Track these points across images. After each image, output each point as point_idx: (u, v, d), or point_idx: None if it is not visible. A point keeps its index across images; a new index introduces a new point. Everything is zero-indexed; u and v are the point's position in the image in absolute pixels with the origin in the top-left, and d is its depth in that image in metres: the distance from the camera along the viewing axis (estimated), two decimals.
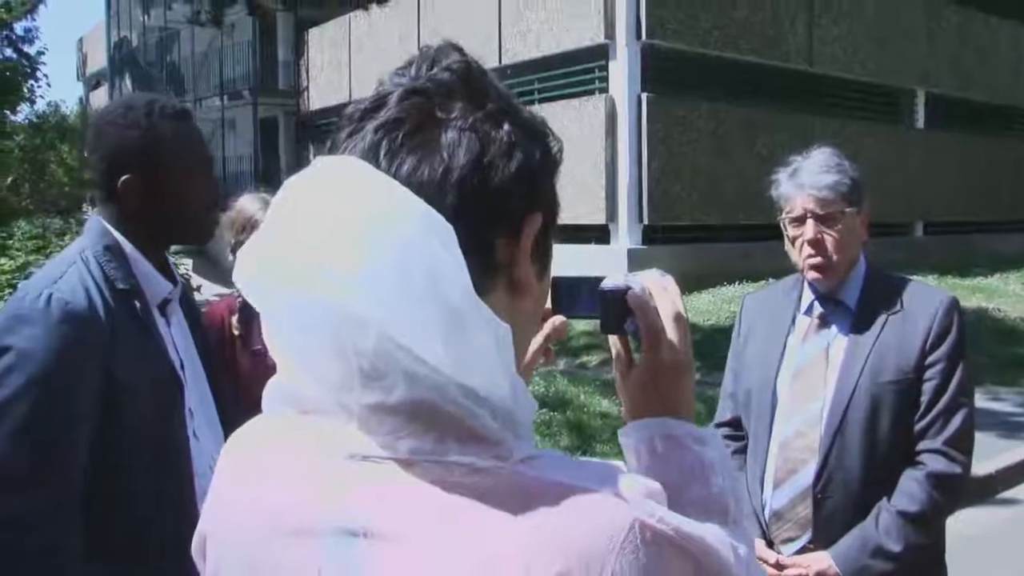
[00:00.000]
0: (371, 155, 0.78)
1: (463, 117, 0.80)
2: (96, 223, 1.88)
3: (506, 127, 0.81)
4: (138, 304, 1.82)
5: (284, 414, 0.84)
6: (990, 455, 6.21)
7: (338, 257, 0.72)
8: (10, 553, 1.61)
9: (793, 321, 2.39)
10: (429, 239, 0.72)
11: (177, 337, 1.96)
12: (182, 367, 1.92)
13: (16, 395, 1.62)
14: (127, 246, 1.86)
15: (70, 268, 1.77)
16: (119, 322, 1.76)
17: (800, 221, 2.26)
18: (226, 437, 2.05)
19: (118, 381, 1.72)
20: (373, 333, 0.72)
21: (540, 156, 0.84)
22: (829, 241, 2.24)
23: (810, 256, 2.26)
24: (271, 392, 0.85)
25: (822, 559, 2.19)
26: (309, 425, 0.81)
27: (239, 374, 2.93)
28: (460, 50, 0.85)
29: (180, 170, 1.87)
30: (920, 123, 18.12)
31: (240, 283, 0.80)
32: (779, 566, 2.24)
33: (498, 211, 0.80)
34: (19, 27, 22.92)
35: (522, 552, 0.69)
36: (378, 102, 0.82)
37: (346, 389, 0.76)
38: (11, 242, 9.47)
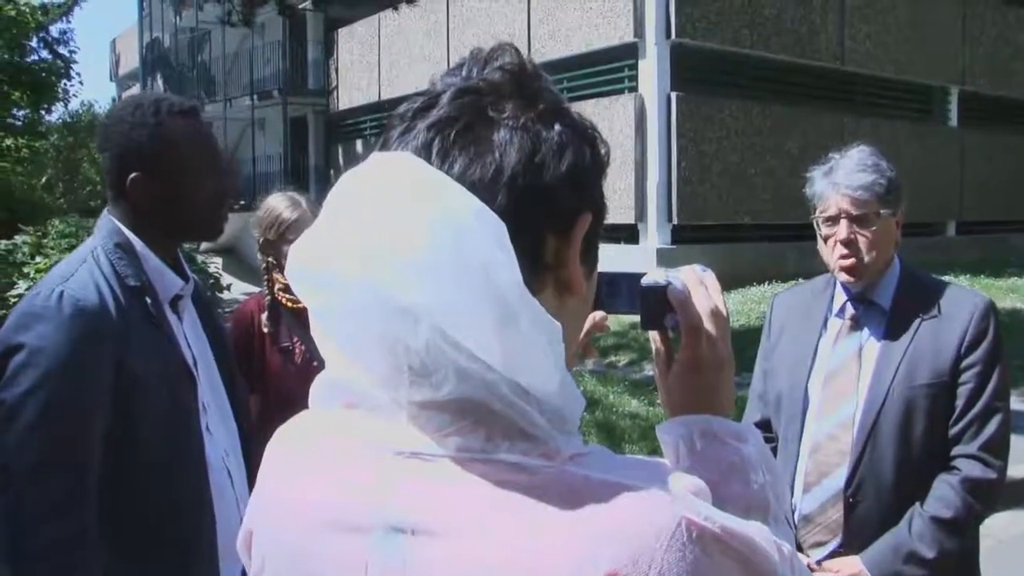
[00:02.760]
0: (423, 154, 0.78)
1: (515, 116, 0.79)
2: (107, 221, 1.91)
3: (557, 127, 0.81)
4: (149, 300, 1.85)
5: (330, 410, 0.84)
6: None
7: (394, 245, 0.72)
8: (30, 544, 1.63)
9: (825, 323, 2.36)
10: (484, 234, 0.72)
11: (189, 333, 1.99)
12: (195, 363, 1.94)
13: (30, 391, 1.65)
14: (137, 243, 1.89)
15: (81, 266, 1.81)
16: (130, 318, 1.78)
17: (834, 221, 2.23)
18: (240, 432, 2.08)
19: (131, 375, 1.75)
20: (425, 327, 0.71)
21: (590, 157, 0.84)
22: (862, 242, 2.20)
23: (843, 256, 2.22)
24: (318, 387, 0.85)
25: (853, 564, 2.17)
26: (356, 421, 0.81)
27: (268, 371, 2.95)
28: (516, 50, 0.85)
29: (188, 167, 1.89)
30: (953, 121, 17.90)
31: (290, 274, 0.80)
32: (809, 570, 2.21)
33: (549, 210, 0.79)
34: (55, 29, 23.26)
35: (571, 550, 0.69)
36: (430, 101, 0.81)
37: (394, 385, 0.76)
38: (46, 241, 9.57)
